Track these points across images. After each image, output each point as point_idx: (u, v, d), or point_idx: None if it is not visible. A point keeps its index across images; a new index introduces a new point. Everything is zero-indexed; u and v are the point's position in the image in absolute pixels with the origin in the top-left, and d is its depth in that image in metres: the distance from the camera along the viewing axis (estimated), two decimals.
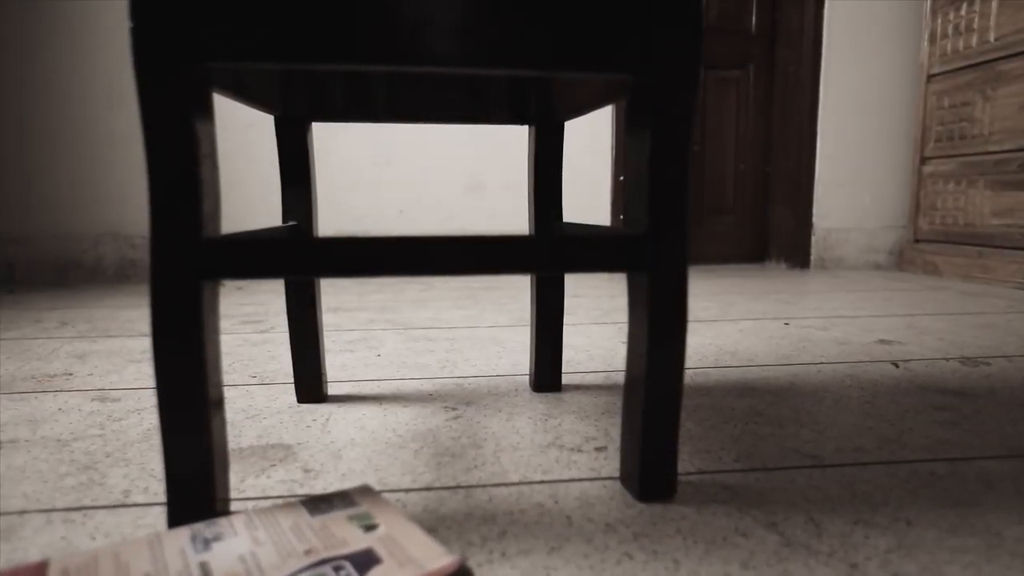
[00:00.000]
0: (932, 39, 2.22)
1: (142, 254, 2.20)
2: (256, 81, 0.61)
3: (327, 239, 0.49)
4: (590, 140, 2.37)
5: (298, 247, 0.49)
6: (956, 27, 2.12)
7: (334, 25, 0.47)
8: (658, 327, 0.54)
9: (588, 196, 2.39)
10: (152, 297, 0.47)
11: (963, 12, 2.09)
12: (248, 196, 2.23)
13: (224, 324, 1.41)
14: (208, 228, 0.49)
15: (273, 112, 0.76)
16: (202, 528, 0.47)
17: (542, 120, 0.85)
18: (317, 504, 0.50)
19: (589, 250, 0.53)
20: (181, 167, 0.47)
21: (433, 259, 0.50)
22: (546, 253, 0.52)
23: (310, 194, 0.82)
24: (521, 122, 0.85)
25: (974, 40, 2.05)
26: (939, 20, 2.19)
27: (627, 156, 0.57)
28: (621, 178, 2.44)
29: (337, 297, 1.82)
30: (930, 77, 2.24)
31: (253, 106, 0.69)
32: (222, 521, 0.48)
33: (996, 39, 1.97)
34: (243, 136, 2.21)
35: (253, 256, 0.48)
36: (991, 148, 2.00)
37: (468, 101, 0.77)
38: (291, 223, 0.81)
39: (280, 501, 0.57)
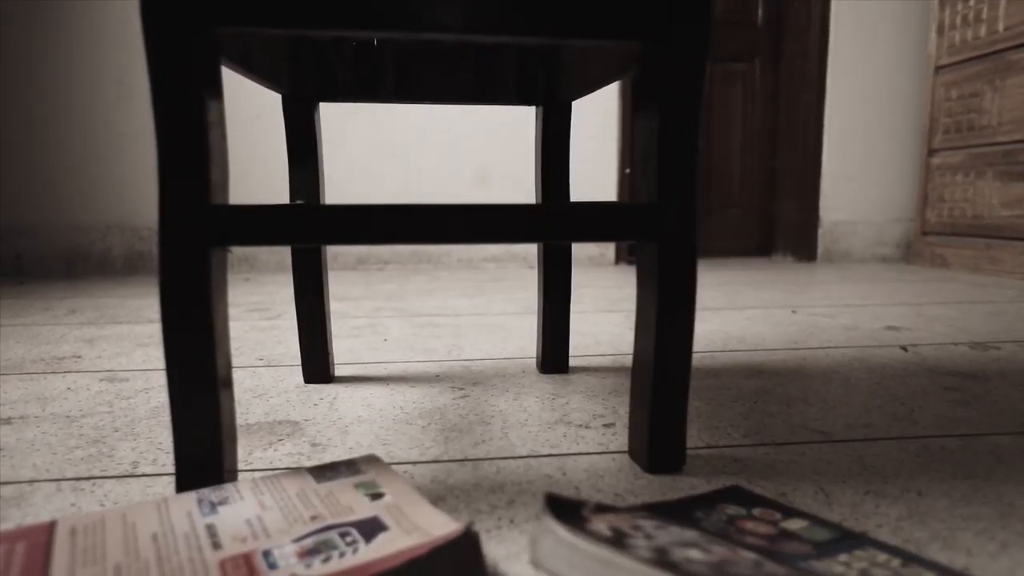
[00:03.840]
0: (940, 30, 2.21)
1: (150, 246, 2.20)
2: (264, 53, 0.61)
3: (335, 205, 0.49)
4: (596, 132, 2.37)
5: (305, 213, 0.49)
6: (964, 18, 2.11)
7: None
8: (667, 297, 0.54)
9: (594, 191, 2.39)
10: (161, 264, 0.47)
11: (971, 2, 2.08)
12: (253, 189, 2.24)
13: (232, 312, 1.41)
14: (217, 195, 0.49)
15: (281, 90, 0.76)
16: (209, 493, 0.47)
17: (549, 100, 0.85)
18: (323, 472, 0.50)
19: (598, 219, 0.52)
20: (190, 134, 0.47)
21: (442, 226, 0.50)
22: (556, 221, 0.52)
23: (317, 174, 0.82)
24: (529, 102, 0.85)
25: (983, 30, 2.03)
26: (947, 11, 2.18)
27: (636, 129, 0.57)
28: (627, 171, 2.43)
29: (343, 287, 1.82)
30: (938, 68, 2.23)
31: (261, 82, 0.69)
32: (229, 487, 0.48)
33: (1005, 29, 1.95)
34: (249, 128, 2.22)
35: (261, 222, 0.48)
36: (1000, 139, 1.99)
37: (476, 80, 0.77)
38: (298, 202, 0.81)
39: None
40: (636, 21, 0.51)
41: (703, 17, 0.52)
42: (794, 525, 0.44)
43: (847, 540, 0.43)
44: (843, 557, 0.40)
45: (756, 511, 0.47)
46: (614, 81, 0.70)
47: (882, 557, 0.40)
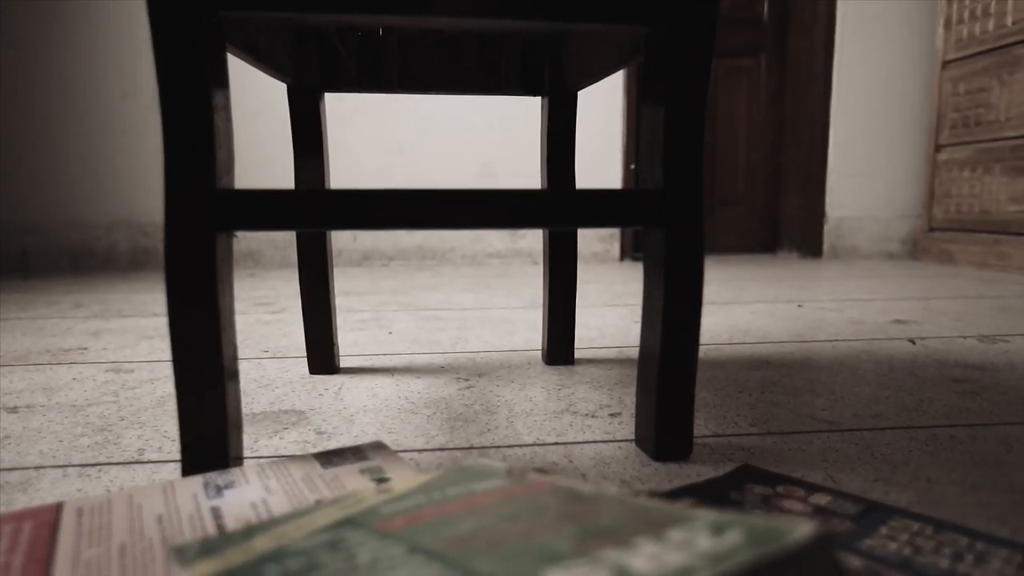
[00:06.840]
0: (947, 25, 2.20)
1: (154, 242, 2.21)
2: (270, 40, 0.61)
3: (341, 190, 0.49)
4: (600, 129, 2.36)
5: (312, 198, 0.49)
6: (972, 12, 2.09)
7: None
8: (674, 283, 0.54)
9: (598, 187, 2.38)
10: (167, 248, 0.47)
11: None
12: (255, 186, 2.24)
13: (236, 306, 1.41)
14: (223, 179, 0.49)
15: (286, 79, 0.76)
16: (215, 477, 0.47)
17: (555, 90, 0.84)
18: (329, 457, 0.50)
19: (605, 204, 0.52)
20: (195, 117, 0.47)
21: (450, 210, 0.50)
22: (563, 206, 0.51)
23: (322, 165, 0.82)
24: (534, 92, 0.85)
25: (991, 25, 2.02)
26: (954, 5, 2.16)
27: (642, 116, 0.56)
28: (632, 167, 2.43)
29: (348, 282, 1.82)
30: (945, 63, 2.22)
31: (267, 71, 0.69)
32: (235, 471, 0.48)
33: (1013, 23, 1.94)
34: (252, 124, 2.22)
35: (268, 206, 0.48)
36: (1008, 134, 1.98)
37: (481, 69, 0.77)
38: None
39: None
40: (642, 4, 0.51)
41: (709, 2, 0.51)
42: (822, 500, 0.45)
43: (875, 511, 0.44)
44: (884, 530, 0.41)
45: (780, 488, 0.47)
46: (619, 69, 0.69)
47: (915, 526, 0.41)
